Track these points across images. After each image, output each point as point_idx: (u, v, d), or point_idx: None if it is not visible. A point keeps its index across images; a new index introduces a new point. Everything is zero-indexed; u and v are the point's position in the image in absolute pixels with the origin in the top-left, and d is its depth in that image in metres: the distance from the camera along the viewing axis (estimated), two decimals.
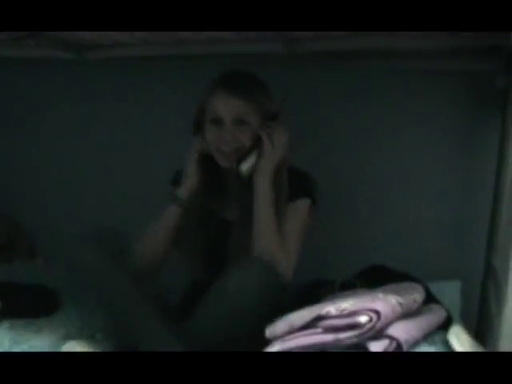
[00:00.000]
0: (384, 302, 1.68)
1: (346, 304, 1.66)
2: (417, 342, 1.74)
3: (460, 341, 1.71)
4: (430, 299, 2.03)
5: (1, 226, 2.83)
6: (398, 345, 1.64)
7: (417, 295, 1.87)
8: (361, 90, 2.60)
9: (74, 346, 1.94)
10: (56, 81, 2.96)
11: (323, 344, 1.63)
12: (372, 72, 2.56)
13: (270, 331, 1.73)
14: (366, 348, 1.61)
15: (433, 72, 2.50)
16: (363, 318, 1.61)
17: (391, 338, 1.64)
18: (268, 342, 1.75)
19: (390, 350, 1.62)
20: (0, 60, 2.79)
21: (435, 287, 2.19)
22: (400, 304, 1.73)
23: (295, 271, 2.06)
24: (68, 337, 2.11)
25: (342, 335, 1.62)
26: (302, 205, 2.08)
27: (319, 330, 1.66)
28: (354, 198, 2.62)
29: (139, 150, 2.86)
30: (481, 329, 2.28)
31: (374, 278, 2.09)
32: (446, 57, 2.37)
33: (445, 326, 1.90)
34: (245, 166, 2.00)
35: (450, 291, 2.31)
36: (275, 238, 1.94)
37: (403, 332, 1.67)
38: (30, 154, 3.03)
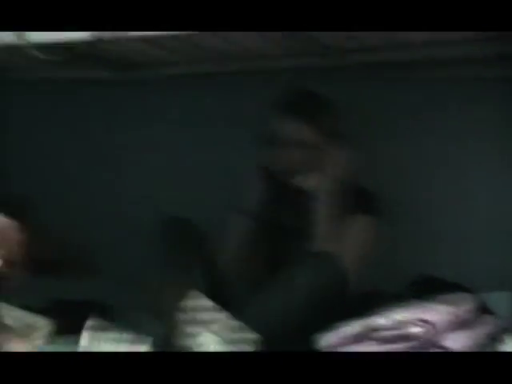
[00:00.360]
0: (437, 313, 1.67)
1: (398, 315, 1.65)
2: None
3: None
4: (483, 310, 2.01)
5: (52, 242, 2.91)
6: None
7: (469, 306, 1.85)
8: (421, 101, 2.61)
9: None
10: (97, 100, 3.03)
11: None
12: (427, 82, 2.56)
13: (322, 341, 1.73)
14: None
15: (488, 79, 2.47)
16: (415, 329, 1.60)
17: (445, 349, 1.63)
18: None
19: None
20: (42, 81, 2.86)
21: (488, 298, 2.16)
22: (453, 314, 1.72)
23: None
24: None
25: (395, 346, 1.62)
26: (364, 222, 2.10)
27: (371, 341, 1.66)
28: (410, 210, 2.61)
29: (190, 171, 2.88)
30: None
31: (425, 289, 2.08)
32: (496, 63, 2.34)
33: (499, 338, 1.88)
34: (306, 183, 2.04)
35: (502, 302, 2.28)
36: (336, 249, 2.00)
37: (457, 343, 1.65)
38: (82, 172, 3.09)
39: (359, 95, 2.58)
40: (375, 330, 1.66)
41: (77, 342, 2.17)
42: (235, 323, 1.88)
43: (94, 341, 2.10)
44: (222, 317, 1.90)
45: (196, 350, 1.90)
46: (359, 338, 1.68)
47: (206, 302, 1.99)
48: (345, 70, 2.45)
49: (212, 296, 1.99)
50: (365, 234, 2.12)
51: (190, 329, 1.92)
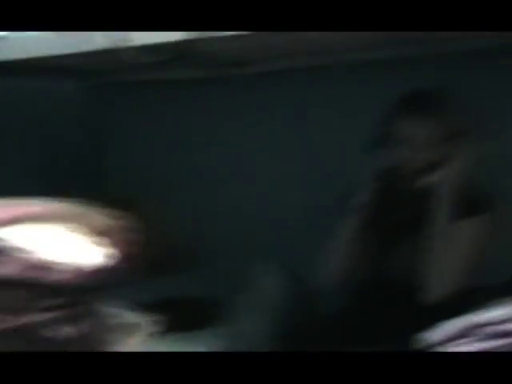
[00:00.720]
0: None
1: (501, 311, 1.61)
2: None
3: None
4: None
5: (157, 239, 2.97)
6: None
7: None
8: None
9: None
10: (196, 100, 3.08)
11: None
12: None
13: (425, 338, 1.70)
14: None
15: None
16: None
17: None
18: None
19: None
20: (142, 83, 2.95)
21: None
22: None
23: None
24: (231, 349, 2.16)
25: (499, 343, 1.57)
26: (478, 222, 2.09)
27: (475, 338, 1.61)
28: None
29: (297, 168, 2.89)
30: None
31: None
32: None
33: None
34: (429, 182, 2.02)
35: None
36: (445, 254, 1.99)
37: None
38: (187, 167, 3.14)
39: (474, 85, 2.47)
40: (478, 326, 1.61)
41: (186, 339, 2.28)
42: None
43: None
44: None
45: None
46: (462, 334, 1.63)
47: None
48: (459, 59, 2.37)
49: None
50: (477, 232, 2.07)
51: None
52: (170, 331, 2.22)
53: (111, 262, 1.62)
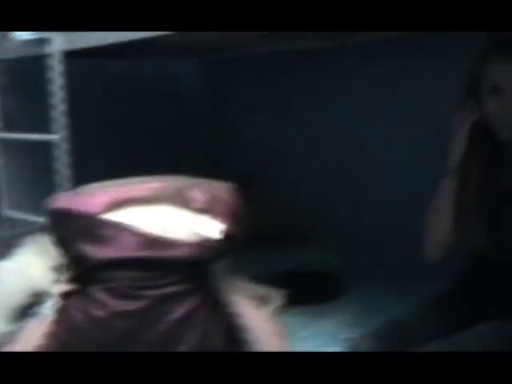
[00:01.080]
0: None
1: None
2: None
3: None
4: None
5: (275, 216, 3.01)
6: None
7: None
8: None
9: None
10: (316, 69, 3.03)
11: None
12: None
13: None
14: None
15: None
16: None
17: None
18: None
19: None
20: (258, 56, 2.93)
21: None
22: None
23: None
24: (354, 323, 2.16)
25: None
26: None
27: None
28: None
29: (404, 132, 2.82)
30: None
31: None
32: None
33: None
34: None
35: None
36: None
37: None
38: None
39: None
40: None
41: (308, 312, 2.25)
42: None
43: None
44: None
45: None
46: None
47: None
48: None
49: None
50: None
51: None
52: (295, 304, 2.28)
53: (225, 236, 1.64)
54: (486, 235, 1.85)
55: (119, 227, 1.62)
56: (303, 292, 2.35)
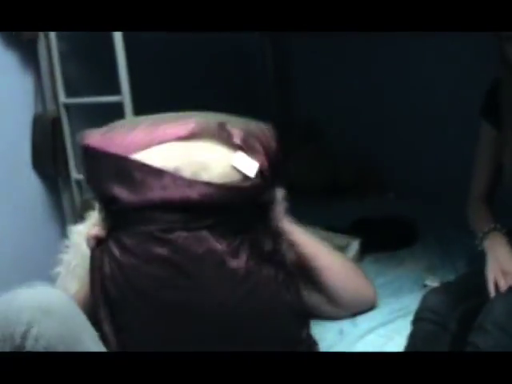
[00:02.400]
0: None
1: None
2: None
3: None
4: None
5: (351, 164, 3.05)
6: None
7: None
8: None
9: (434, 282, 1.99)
10: None
11: None
12: None
13: None
14: None
15: None
16: None
17: None
18: None
19: None
20: None
21: None
22: None
23: None
24: (431, 268, 2.17)
25: None
26: None
27: None
28: None
29: None
30: None
31: None
32: None
33: None
34: None
35: None
36: None
37: None
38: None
39: None
40: None
41: (384, 259, 2.25)
42: None
43: None
44: None
45: None
46: None
47: None
48: None
49: None
50: None
51: None
52: (372, 252, 2.30)
53: (261, 175, 1.58)
54: None
55: (150, 169, 1.55)
56: (379, 239, 2.35)
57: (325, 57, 3.18)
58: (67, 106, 2.51)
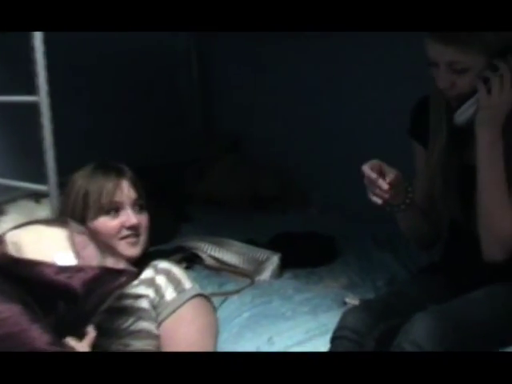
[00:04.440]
0: None
1: None
2: None
3: None
4: None
5: (273, 178, 3.04)
6: None
7: None
8: None
9: (353, 300, 2.00)
10: None
11: None
12: None
13: None
14: None
15: None
16: None
17: None
18: None
19: None
20: None
21: None
22: None
23: None
24: (350, 286, 2.18)
25: None
26: None
27: None
28: None
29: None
30: None
31: None
32: None
33: None
34: (459, 116, 1.77)
35: None
36: (502, 201, 1.73)
37: None
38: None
39: None
40: None
41: (304, 275, 2.25)
42: None
43: None
44: None
45: None
46: None
47: None
48: None
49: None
50: None
51: None
52: (291, 267, 2.29)
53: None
54: (459, 202, 1.85)
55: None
56: (299, 255, 2.36)
57: (248, 66, 3.19)
58: None
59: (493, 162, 1.73)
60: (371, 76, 2.85)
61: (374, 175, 1.70)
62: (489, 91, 1.70)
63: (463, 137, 1.82)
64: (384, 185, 1.71)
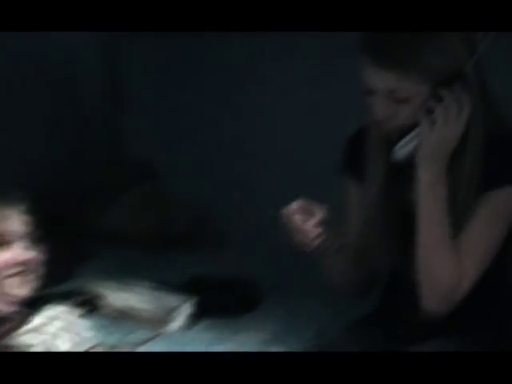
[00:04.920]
0: None
1: None
2: None
3: None
4: None
5: (189, 211, 2.91)
6: None
7: None
8: None
9: None
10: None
11: None
12: None
13: None
14: None
15: None
16: None
17: None
18: None
19: None
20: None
21: None
22: None
23: None
24: (275, 337, 2.10)
25: None
26: (506, 195, 1.66)
27: None
28: None
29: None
30: None
31: None
32: None
33: None
34: (399, 152, 1.67)
35: None
36: (443, 248, 1.65)
37: None
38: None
39: None
40: None
41: (222, 325, 2.15)
42: None
43: None
44: None
45: None
46: None
47: None
48: None
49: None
50: (505, 214, 1.67)
51: None
52: (207, 315, 2.19)
53: None
54: (396, 244, 1.77)
55: None
56: (217, 301, 2.27)
57: (165, 84, 3.09)
58: None
59: (434, 205, 1.64)
60: (299, 104, 2.80)
61: (299, 218, 1.63)
62: (432, 124, 1.59)
63: (403, 174, 1.71)
64: (313, 228, 1.64)
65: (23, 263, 1.69)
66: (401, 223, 1.75)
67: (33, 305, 1.72)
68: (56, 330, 1.69)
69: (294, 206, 1.65)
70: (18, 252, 1.69)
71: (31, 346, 1.65)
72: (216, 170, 2.99)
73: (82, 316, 1.80)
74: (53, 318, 1.71)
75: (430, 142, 1.61)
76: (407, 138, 1.66)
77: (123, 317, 2.20)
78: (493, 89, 1.68)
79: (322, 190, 2.36)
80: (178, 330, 2.12)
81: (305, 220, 1.64)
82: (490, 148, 1.63)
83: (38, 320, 1.70)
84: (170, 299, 2.16)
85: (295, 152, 2.83)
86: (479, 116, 1.61)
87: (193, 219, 2.94)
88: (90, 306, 2.19)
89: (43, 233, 1.75)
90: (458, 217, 1.64)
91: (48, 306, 1.75)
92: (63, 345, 1.67)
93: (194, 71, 3.01)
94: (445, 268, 1.62)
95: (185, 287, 2.30)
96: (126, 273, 2.33)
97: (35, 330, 1.68)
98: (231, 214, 2.85)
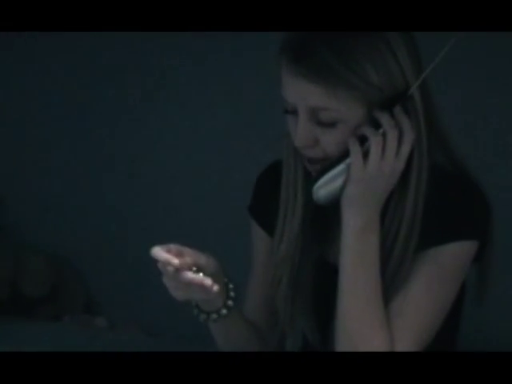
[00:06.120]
0: None
1: None
2: None
3: None
4: None
5: (42, 271, 2.68)
6: None
7: None
8: None
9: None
10: None
11: None
12: None
13: None
14: None
15: None
16: None
17: None
18: None
19: None
20: None
21: None
22: None
23: None
24: None
25: None
26: (454, 251, 1.45)
27: None
28: None
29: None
30: None
31: None
32: None
33: None
34: (320, 190, 1.45)
35: None
36: (370, 318, 1.45)
37: None
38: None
39: None
40: None
41: None
42: None
43: None
44: None
45: None
46: None
47: None
48: None
49: None
50: (452, 273, 1.45)
51: None
52: None
53: None
54: (313, 313, 1.60)
55: None
56: None
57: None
58: None
59: (360, 259, 1.43)
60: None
61: (175, 262, 1.37)
62: (365, 156, 1.38)
63: (325, 221, 1.53)
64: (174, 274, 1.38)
65: None
66: (318, 283, 1.55)
67: None
68: None
69: (165, 247, 1.38)
70: None
71: None
72: (79, 212, 2.65)
73: None
74: None
75: (360, 179, 1.39)
76: (331, 172, 1.42)
77: None
78: (442, 116, 1.45)
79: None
80: None
81: (182, 267, 1.37)
82: (435, 191, 1.42)
83: None
84: None
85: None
86: (424, 149, 1.39)
87: (50, 277, 2.59)
88: None
89: None
90: (391, 277, 1.43)
91: None
92: None
93: None
94: (370, 342, 1.41)
95: None
96: None
97: None
98: (99, 270, 2.57)
